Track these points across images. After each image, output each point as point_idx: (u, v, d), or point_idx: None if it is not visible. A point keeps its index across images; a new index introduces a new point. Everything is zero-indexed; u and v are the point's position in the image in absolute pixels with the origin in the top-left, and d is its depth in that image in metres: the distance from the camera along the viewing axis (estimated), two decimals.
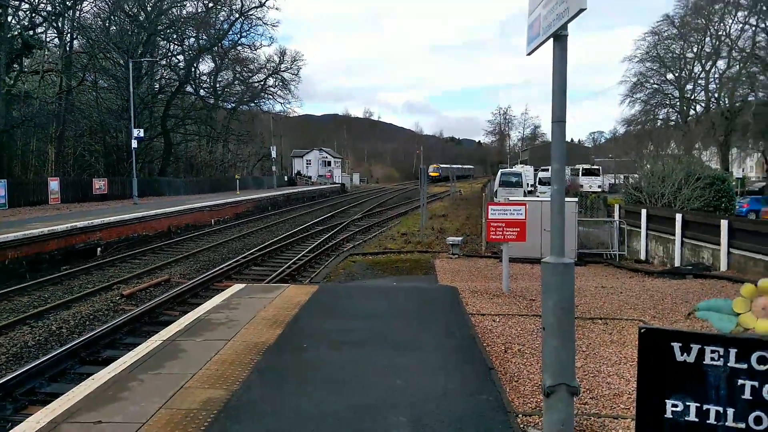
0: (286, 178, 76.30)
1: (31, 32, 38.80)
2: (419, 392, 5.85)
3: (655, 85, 56.55)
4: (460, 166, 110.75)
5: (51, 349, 9.91)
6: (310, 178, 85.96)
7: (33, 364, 8.56)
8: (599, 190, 47.40)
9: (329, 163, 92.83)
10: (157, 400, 5.72)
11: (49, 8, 39.90)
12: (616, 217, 19.73)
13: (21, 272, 16.95)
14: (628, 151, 55.30)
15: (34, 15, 39.22)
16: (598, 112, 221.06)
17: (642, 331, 3.33)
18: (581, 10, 4.05)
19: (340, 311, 9.57)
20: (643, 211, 18.38)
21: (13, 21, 37.34)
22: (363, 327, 8.42)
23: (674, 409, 3.12)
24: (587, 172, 52.13)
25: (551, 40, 4.71)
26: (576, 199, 19.00)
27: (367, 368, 6.59)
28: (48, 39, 42.15)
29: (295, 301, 10.20)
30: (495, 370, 6.65)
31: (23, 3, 38.02)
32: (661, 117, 58.43)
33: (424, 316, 9.29)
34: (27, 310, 12.86)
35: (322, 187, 70.07)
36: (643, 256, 18.24)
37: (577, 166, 53.83)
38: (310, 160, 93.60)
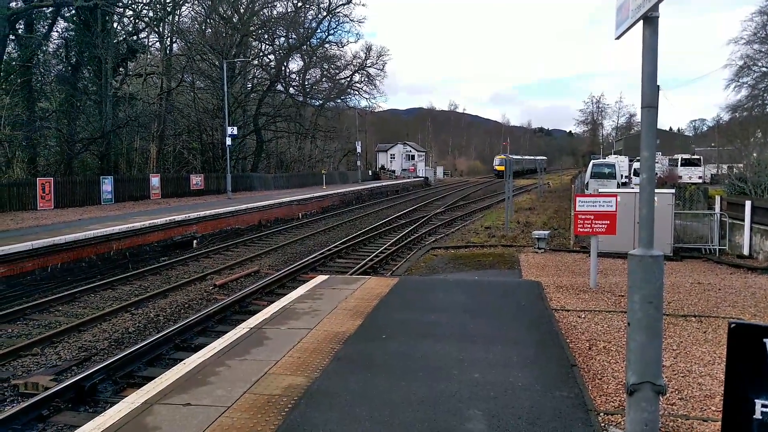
0: (370, 172, 77.19)
1: (134, 37, 41.51)
2: (497, 386, 5.76)
3: (764, 68, 52.39)
4: (530, 157, 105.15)
5: (148, 335, 10.56)
6: (393, 172, 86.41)
7: (132, 350, 9.15)
8: (699, 180, 44.55)
9: (413, 157, 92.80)
10: (242, 384, 5.98)
11: (151, 14, 42.50)
12: (717, 210, 18.48)
13: (124, 263, 18.16)
14: (733, 140, 51.63)
15: (137, 21, 41.91)
16: (701, 99, 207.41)
17: (732, 326, 3.14)
18: None
19: (419, 304, 9.58)
20: (747, 203, 17.10)
21: (119, 27, 40.04)
22: (442, 320, 8.39)
23: (764, 409, 2.92)
24: (687, 162, 49.12)
25: (641, 22, 4.59)
26: (672, 191, 17.92)
27: (444, 360, 6.56)
28: (150, 43, 44.97)
29: (375, 292, 10.32)
30: (577, 366, 6.44)
31: (127, 10, 40.67)
32: None
33: (506, 311, 9.13)
34: (129, 298, 13.78)
35: (405, 180, 70.28)
36: (746, 251, 16.99)
37: (675, 156, 50.83)
38: (394, 155, 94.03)
